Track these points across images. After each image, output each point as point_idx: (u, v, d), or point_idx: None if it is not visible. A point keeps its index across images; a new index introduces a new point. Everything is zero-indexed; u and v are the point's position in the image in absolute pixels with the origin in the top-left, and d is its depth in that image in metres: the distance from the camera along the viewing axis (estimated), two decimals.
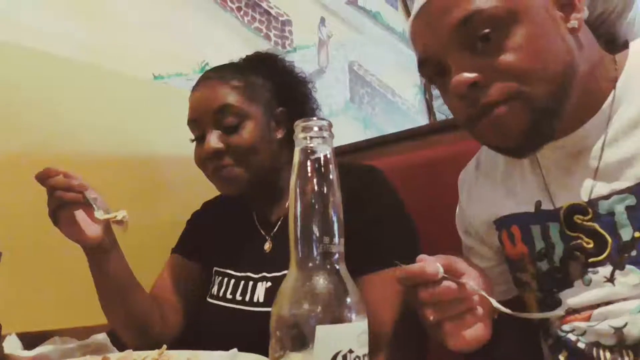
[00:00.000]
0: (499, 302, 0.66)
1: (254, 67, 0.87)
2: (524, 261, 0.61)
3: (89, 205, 0.69)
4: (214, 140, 0.79)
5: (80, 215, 0.69)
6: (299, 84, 0.90)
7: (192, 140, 0.85)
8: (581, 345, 0.55)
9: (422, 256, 0.47)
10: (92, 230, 0.70)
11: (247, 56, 0.93)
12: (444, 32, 0.53)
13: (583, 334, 0.55)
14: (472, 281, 0.48)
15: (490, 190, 0.66)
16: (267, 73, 0.87)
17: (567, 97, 0.52)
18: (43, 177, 0.68)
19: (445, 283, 0.45)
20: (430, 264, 0.45)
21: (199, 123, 0.82)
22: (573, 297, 0.55)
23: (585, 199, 0.55)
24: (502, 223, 0.63)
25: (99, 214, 0.68)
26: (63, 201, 0.68)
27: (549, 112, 0.52)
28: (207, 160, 0.80)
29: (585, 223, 0.54)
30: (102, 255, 0.74)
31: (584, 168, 0.56)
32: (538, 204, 0.59)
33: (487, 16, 0.51)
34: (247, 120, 0.80)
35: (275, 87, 0.86)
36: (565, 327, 0.56)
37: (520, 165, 0.63)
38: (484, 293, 0.45)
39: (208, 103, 0.81)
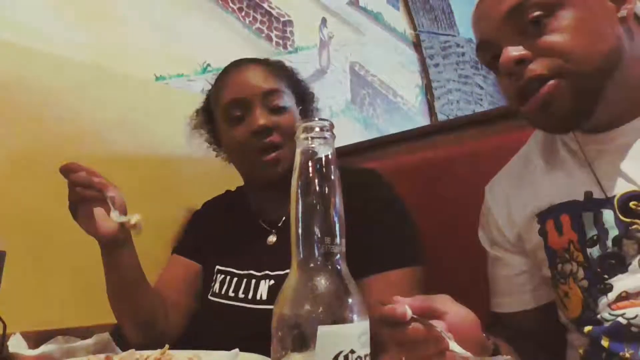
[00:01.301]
0: (522, 311, 0.68)
1: (277, 70, 0.90)
2: (570, 249, 0.61)
3: (107, 203, 0.71)
4: (263, 116, 0.80)
5: (97, 211, 0.72)
6: (309, 92, 0.94)
7: (227, 122, 0.84)
8: (635, 329, 0.55)
9: (396, 298, 0.47)
10: (108, 226, 0.72)
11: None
12: (498, 18, 0.58)
13: (635, 317, 0.55)
14: (448, 322, 0.47)
15: (530, 187, 0.67)
16: (287, 77, 0.90)
17: (611, 79, 0.55)
18: (66, 171, 0.70)
19: (415, 325, 0.45)
20: (400, 305, 0.46)
21: (245, 102, 0.82)
22: (628, 282, 0.56)
23: None
24: (549, 213, 0.64)
25: (114, 215, 0.71)
26: (82, 197, 0.70)
27: (593, 92, 0.55)
28: (255, 136, 0.80)
29: None
30: (116, 250, 0.76)
31: (636, 158, 0.57)
32: (589, 194, 0.61)
33: (537, 2, 0.55)
34: (289, 109, 0.84)
35: (294, 89, 0.89)
36: (616, 312, 0.57)
37: (560, 161, 0.65)
38: (446, 336, 0.45)
39: (258, 83, 0.83)
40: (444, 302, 0.49)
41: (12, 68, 0.97)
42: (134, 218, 0.71)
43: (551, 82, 0.55)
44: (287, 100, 0.84)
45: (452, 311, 0.49)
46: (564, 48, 0.54)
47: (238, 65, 0.87)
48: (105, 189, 0.71)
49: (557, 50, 0.55)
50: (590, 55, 0.54)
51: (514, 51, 0.56)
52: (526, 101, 0.58)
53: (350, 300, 0.38)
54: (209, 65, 1.39)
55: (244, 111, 0.82)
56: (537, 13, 0.56)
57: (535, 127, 0.63)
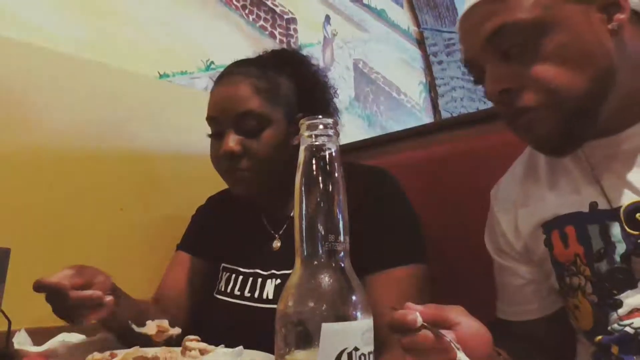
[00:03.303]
0: (531, 320, 0.67)
1: (279, 66, 0.85)
2: (577, 263, 0.60)
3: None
4: (233, 142, 0.78)
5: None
6: (321, 89, 0.89)
7: (209, 136, 0.84)
8: None
9: (408, 304, 0.47)
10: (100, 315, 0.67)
11: (273, 51, 0.92)
12: (479, 41, 0.56)
13: None
14: (459, 334, 0.47)
15: (535, 195, 0.65)
16: (292, 74, 0.85)
17: (604, 99, 0.53)
18: (40, 289, 0.63)
19: (424, 332, 0.45)
20: (411, 312, 0.45)
21: (219, 121, 0.81)
22: (637, 298, 0.55)
23: None
24: (554, 224, 0.62)
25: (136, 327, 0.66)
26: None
27: (581, 115, 0.53)
28: (223, 160, 0.80)
29: None
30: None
31: None
32: (594, 204, 0.58)
33: (518, 28, 0.53)
34: (268, 126, 0.80)
35: (298, 91, 0.85)
36: (624, 322, 0.56)
37: (564, 169, 0.63)
38: (455, 346, 0.44)
39: (231, 104, 0.80)
40: (457, 314, 0.49)
41: (15, 65, 0.97)
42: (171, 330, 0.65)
43: (532, 113, 0.53)
44: (267, 117, 0.79)
45: (464, 323, 0.48)
46: (550, 80, 0.52)
47: (223, 77, 0.84)
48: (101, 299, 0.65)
49: (543, 83, 0.53)
50: (578, 83, 0.52)
51: (497, 83, 0.55)
52: (512, 122, 0.57)
53: (354, 298, 0.38)
54: (212, 62, 1.39)
55: (221, 129, 0.81)
56: (518, 40, 0.53)
57: (532, 147, 0.62)
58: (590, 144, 0.60)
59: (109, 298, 0.66)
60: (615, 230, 0.56)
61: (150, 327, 0.64)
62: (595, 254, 0.58)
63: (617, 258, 0.56)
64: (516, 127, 0.57)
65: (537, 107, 0.53)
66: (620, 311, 0.56)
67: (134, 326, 0.66)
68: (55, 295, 0.63)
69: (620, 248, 0.56)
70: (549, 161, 0.66)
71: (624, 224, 0.55)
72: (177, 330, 0.66)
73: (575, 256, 0.60)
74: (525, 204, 0.66)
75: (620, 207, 0.56)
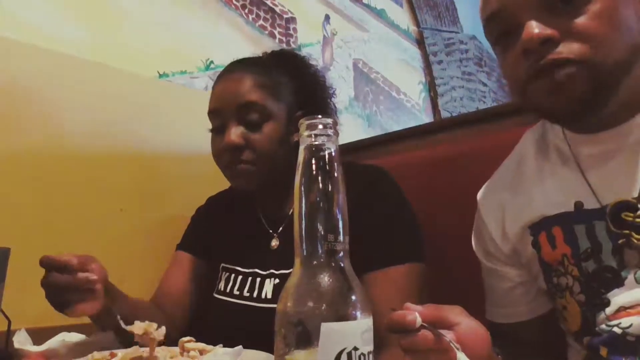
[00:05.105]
0: (520, 322, 0.67)
1: (280, 65, 0.87)
2: (565, 263, 0.59)
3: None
4: (235, 134, 0.79)
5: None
6: (320, 89, 0.90)
7: (211, 130, 0.85)
8: (630, 338, 0.54)
9: (407, 304, 0.47)
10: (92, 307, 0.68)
11: (273, 52, 0.92)
12: None
13: (629, 326, 0.54)
14: (458, 334, 0.47)
15: (522, 197, 0.65)
16: (292, 73, 0.86)
17: (628, 75, 0.52)
18: (47, 265, 0.64)
19: (424, 332, 0.45)
20: (410, 313, 0.45)
21: (221, 114, 0.82)
22: (625, 296, 0.54)
23: (635, 195, 0.54)
24: (541, 225, 0.62)
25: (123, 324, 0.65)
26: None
27: (610, 84, 0.52)
28: (224, 153, 0.81)
29: (636, 220, 0.54)
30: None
31: (630, 163, 0.55)
32: (579, 204, 0.58)
33: None
34: (270, 119, 0.81)
35: (298, 90, 0.86)
36: (611, 322, 0.56)
37: (552, 169, 0.62)
38: (454, 346, 0.44)
39: (234, 96, 0.80)
40: (456, 313, 0.49)
41: (15, 66, 0.97)
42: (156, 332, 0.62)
43: (574, 68, 0.51)
44: (269, 111, 0.80)
45: (464, 323, 0.48)
46: (596, 34, 0.51)
47: (225, 73, 0.85)
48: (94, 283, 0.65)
49: (589, 35, 0.51)
50: (618, 47, 0.51)
51: (540, 28, 0.51)
52: (538, 80, 0.53)
53: (353, 298, 0.38)
54: (212, 62, 1.39)
55: (223, 122, 0.81)
56: None
57: (539, 113, 0.59)
58: (577, 139, 0.59)
59: (98, 286, 0.66)
60: (601, 229, 0.56)
61: (138, 327, 0.63)
62: (583, 254, 0.58)
63: (605, 255, 0.56)
64: (539, 84, 0.53)
65: (577, 61, 0.51)
66: (608, 311, 0.56)
67: (121, 322, 0.66)
68: (57, 271, 0.64)
69: (606, 247, 0.56)
70: (537, 160, 0.65)
71: (610, 223, 0.55)
72: (159, 335, 0.64)
73: (562, 256, 0.59)
74: (513, 206, 0.66)
75: (607, 205, 0.56)
